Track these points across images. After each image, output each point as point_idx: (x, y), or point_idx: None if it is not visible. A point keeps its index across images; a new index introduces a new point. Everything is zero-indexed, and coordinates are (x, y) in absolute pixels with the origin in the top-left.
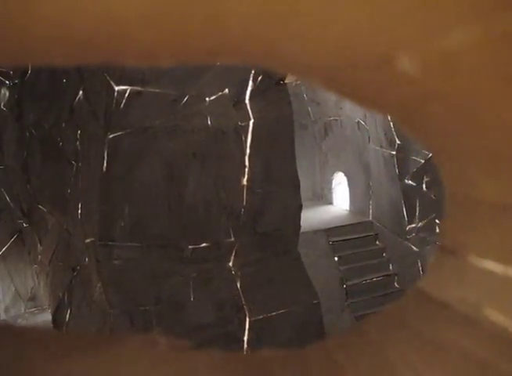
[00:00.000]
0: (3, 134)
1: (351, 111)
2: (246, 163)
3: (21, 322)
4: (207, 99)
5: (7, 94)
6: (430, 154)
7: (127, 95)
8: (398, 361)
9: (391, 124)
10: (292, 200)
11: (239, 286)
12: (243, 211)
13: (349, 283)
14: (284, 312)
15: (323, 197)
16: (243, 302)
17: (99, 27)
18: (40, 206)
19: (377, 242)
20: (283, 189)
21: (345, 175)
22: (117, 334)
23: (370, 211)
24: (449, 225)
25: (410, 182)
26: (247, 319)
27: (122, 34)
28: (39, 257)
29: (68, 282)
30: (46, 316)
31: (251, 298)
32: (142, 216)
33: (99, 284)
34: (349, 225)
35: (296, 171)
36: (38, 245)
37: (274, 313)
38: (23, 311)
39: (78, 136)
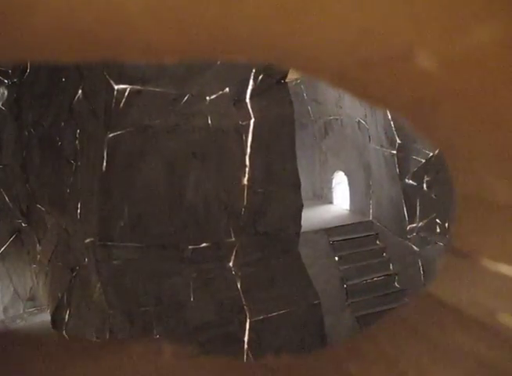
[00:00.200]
0: (2, 133)
1: (352, 110)
2: (247, 162)
3: (20, 322)
4: (208, 98)
5: (6, 93)
6: (431, 154)
7: (127, 94)
8: (411, 368)
9: (392, 123)
10: (293, 199)
11: (239, 286)
12: (243, 211)
13: (349, 282)
14: (285, 312)
15: (323, 196)
16: (244, 303)
17: (101, 20)
18: (39, 206)
19: (378, 242)
20: (284, 189)
21: (345, 174)
22: (120, 340)
23: (370, 210)
24: (461, 228)
25: (411, 181)
26: (248, 320)
27: (125, 29)
28: (38, 257)
29: (67, 282)
30: (45, 317)
31: (252, 298)
32: (142, 216)
33: (98, 285)
34: (349, 224)
35: (297, 170)
36: (37, 245)
37: (274, 314)
38: (21, 311)
39: (77, 135)
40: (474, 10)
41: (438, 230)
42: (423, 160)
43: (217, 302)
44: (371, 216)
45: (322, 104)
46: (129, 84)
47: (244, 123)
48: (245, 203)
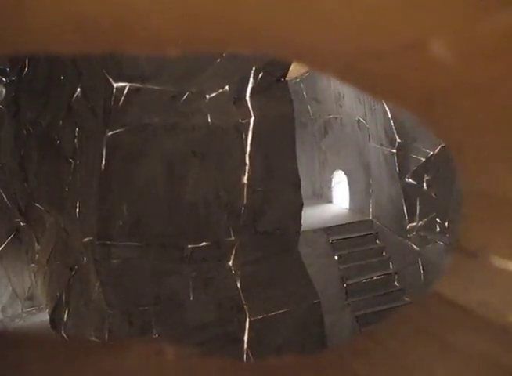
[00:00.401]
0: (0, 132)
1: (351, 109)
2: (247, 161)
3: (18, 322)
4: (207, 96)
5: (4, 91)
6: (431, 153)
7: (125, 91)
8: (418, 368)
9: (392, 122)
10: (293, 198)
11: (239, 285)
12: (243, 210)
13: (349, 282)
14: (284, 311)
15: (323, 195)
16: (243, 302)
17: (103, 10)
18: (37, 205)
19: (377, 241)
20: (284, 188)
21: (345, 173)
22: (120, 340)
23: (370, 209)
24: (469, 225)
25: (411, 180)
26: (247, 319)
27: (128, 19)
28: (37, 256)
29: (66, 281)
30: (44, 316)
31: (251, 297)
32: (141, 215)
33: (97, 284)
34: (349, 223)
35: (297, 169)
36: (36, 244)
37: (274, 313)
38: (20, 311)
39: (76, 134)
40: None
41: (438, 229)
42: (423, 159)
43: (216, 302)
44: (371, 215)
45: (322, 103)
46: (128, 82)
47: (244, 121)
48: (245, 202)
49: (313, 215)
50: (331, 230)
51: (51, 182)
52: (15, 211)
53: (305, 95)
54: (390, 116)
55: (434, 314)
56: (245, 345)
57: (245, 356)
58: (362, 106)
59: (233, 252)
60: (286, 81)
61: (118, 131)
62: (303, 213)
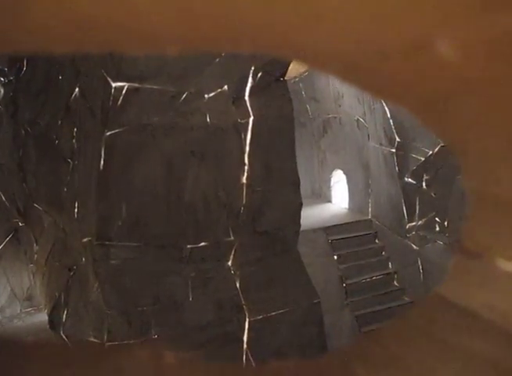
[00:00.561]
0: None
1: (351, 109)
2: (246, 161)
3: (17, 322)
4: (206, 95)
5: (2, 91)
6: (430, 152)
7: (124, 91)
8: (421, 371)
9: (391, 121)
10: (292, 198)
11: (238, 285)
12: (242, 210)
13: (349, 281)
14: (284, 311)
15: (322, 195)
16: (243, 302)
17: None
18: (36, 205)
19: (377, 240)
20: (283, 188)
21: (344, 173)
22: (120, 344)
23: (369, 209)
24: (473, 226)
25: (410, 180)
26: (247, 319)
27: (126, 17)
28: (35, 256)
29: (65, 282)
30: (42, 317)
31: (251, 297)
32: (140, 215)
33: (96, 284)
34: (348, 223)
35: (296, 169)
36: (34, 244)
37: (274, 313)
38: (19, 311)
39: (75, 134)
40: None
41: (438, 229)
42: (423, 159)
43: (216, 302)
44: (370, 215)
45: (321, 102)
46: (127, 82)
47: (243, 121)
48: (244, 202)
49: (312, 215)
50: (330, 230)
51: (49, 182)
52: (13, 212)
53: (304, 95)
54: (389, 115)
55: (436, 317)
56: (244, 346)
57: (244, 356)
58: (361, 106)
59: (232, 252)
60: (286, 80)
61: (117, 131)
62: (302, 213)
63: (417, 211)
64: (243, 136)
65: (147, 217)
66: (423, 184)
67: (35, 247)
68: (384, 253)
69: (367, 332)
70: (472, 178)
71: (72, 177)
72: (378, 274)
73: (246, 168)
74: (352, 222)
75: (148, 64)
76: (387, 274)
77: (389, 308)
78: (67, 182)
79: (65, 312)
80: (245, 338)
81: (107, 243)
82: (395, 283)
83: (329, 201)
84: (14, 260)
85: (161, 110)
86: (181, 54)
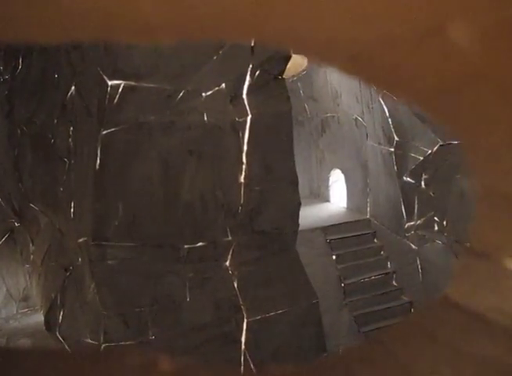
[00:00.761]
0: None
1: (349, 108)
2: (244, 160)
3: (13, 323)
4: (204, 94)
5: None
6: (429, 151)
7: (120, 90)
8: (426, 375)
9: (390, 120)
10: (290, 197)
11: (236, 286)
12: (240, 210)
13: (347, 281)
14: (282, 312)
15: (320, 194)
16: (241, 302)
17: None
18: (32, 205)
19: (375, 240)
20: (281, 187)
21: (342, 172)
22: (116, 350)
23: (368, 208)
24: (480, 226)
25: (409, 179)
26: (245, 320)
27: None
28: (31, 257)
29: (61, 282)
30: (38, 317)
31: (249, 297)
32: (137, 215)
33: (92, 285)
34: (347, 223)
35: (294, 168)
36: (30, 245)
37: (272, 313)
38: (15, 312)
39: (71, 133)
40: None
41: (436, 228)
42: (421, 158)
43: (213, 302)
44: (368, 214)
45: (319, 101)
46: (123, 80)
47: (241, 120)
48: (242, 201)
49: (311, 214)
50: (329, 229)
51: (45, 181)
52: (9, 212)
53: (302, 94)
54: (388, 114)
55: (442, 319)
56: (242, 346)
57: (242, 357)
58: (360, 105)
59: (230, 252)
60: (284, 78)
61: (113, 129)
62: (300, 212)
63: (416, 211)
64: (240, 135)
65: (144, 217)
66: (422, 183)
67: (31, 248)
68: (382, 252)
69: (371, 334)
70: (481, 176)
71: (68, 176)
72: (377, 274)
73: (244, 167)
74: (351, 222)
75: (144, 62)
76: (386, 274)
77: (388, 308)
78: (63, 181)
79: (61, 312)
80: (243, 339)
81: (104, 243)
82: (394, 282)
83: (328, 201)
84: (10, 260)
85: (158, 108)
86: (176, 43)
